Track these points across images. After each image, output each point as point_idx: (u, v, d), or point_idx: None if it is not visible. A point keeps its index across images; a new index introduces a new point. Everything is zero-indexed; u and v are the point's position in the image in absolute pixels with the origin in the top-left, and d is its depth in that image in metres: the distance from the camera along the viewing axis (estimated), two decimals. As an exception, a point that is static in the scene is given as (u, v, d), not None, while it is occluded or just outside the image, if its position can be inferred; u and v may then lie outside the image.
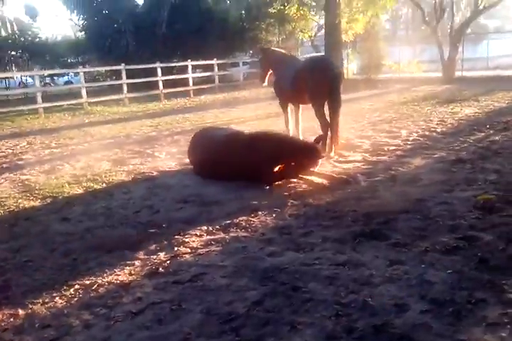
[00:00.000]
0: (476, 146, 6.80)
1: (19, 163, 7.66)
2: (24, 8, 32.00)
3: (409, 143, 7.40)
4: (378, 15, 19.08)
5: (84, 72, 18.79)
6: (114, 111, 15.26)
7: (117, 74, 21.37)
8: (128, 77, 17.89)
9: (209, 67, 22.27)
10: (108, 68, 21.39)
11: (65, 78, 32.18)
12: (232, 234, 3.94)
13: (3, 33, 37.19)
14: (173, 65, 22.39)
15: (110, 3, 24.29)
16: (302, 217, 4.27)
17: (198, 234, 3.98)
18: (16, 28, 39.00)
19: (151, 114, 14.05)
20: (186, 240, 3.84)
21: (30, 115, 14.99)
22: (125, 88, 17.22)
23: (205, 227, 4.11)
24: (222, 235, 3.93)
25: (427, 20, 20.68)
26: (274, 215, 4.36)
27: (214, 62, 21.30)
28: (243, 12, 26.09)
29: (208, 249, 3.65)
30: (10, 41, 30.56)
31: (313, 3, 21.69)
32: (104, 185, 5.82)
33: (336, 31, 18.85)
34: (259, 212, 4.45)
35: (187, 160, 6.48)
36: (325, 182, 5.26)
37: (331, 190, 5.02)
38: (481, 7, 20.06)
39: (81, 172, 6.64)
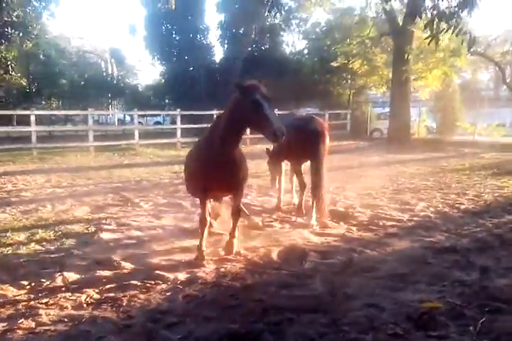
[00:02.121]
0: (489, 232, 5.65)
1: (12, 199, 7.74)
2: (109, 52, 34.73)
3: (414, 219, 6.38)
4: (448, 74, 17.97)
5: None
6: (159, 154, 15.52)
7: (186, 119, 22.07)
8: (190, 122, 18.31)
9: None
10: (165, 113, 22.19)
11: (156, 118, 34.00)
12: (95, 313, 3.37)
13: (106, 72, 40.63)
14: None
15: (188, 51, 25.56)
16: (194, 300, 3.60)
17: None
18: (116, 70, 42.56)
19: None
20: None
21: (84, 152, 15.68)
22: (179, 132, 17.59)
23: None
24: (81, 312, 3.38)
25: (508, 82, 19.19)
26: (167, 294, 3.73)
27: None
28: (316, 64, 26.11)
29: (53, 327, 3.12)
30: (115, 82, 33.18)
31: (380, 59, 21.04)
32: (52, 233, 5.55)
33: (402, 88, 18.05)
34: (158, 287, 3.85)
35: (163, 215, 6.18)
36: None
37: (261, 268, 4.29)
38: None
39: (50, 216, 6.48)
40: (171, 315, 3.35)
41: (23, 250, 4.87)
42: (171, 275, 4.09)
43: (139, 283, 3.92)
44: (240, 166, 4.50)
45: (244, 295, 3.68)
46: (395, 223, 6.15)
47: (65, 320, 3.25)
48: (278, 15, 32.54)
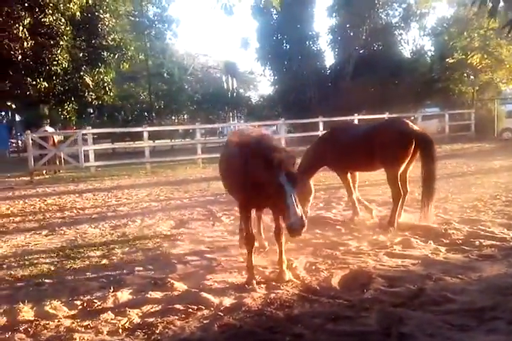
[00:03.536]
0: None
1: (109, 214, 8.29)
2: (223, 65, 36.08)
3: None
4: None
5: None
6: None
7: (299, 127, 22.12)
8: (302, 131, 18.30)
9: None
10: (270, 122, 22.30)
11: (272, 128, 34.71)
12: (126, 340, 3.32)
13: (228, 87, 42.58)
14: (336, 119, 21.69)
15: (298, 59, 25.56)
16: (229, 331, 3.36)
17: None
18: (234, 83, 44.32)
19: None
20: None
21: (194, 164, 16.41)
22: (283, 142, 17.53)
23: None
24: (114, 338, 3.34)
25: None
26: (204, 322, 3.55)
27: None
28: (435, 62, 24.28)
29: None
30: (233, 94, 34.75)
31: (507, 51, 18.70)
32: (127, 249, 5.75)
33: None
34: (200, 312, 3.68)
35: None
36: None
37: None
38: None
39: (134, 231, 6.77)
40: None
41: (91, 266, 5.09)
42: (216, 300, 3.91)
43: (181, 308, 3.80)
44: None
45: (284, 328, 3.36)
46: (494, 242, 5.26)
47: (95, 345, 3.24)
48: (396, 12, 31.17)
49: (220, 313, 3.68)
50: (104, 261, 5.31)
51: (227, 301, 3.90)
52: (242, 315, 3.62)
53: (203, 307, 3.79)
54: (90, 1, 14.16)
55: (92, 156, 15.45)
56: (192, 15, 78.08)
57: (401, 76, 24.95)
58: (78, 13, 13.20)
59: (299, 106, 24.86)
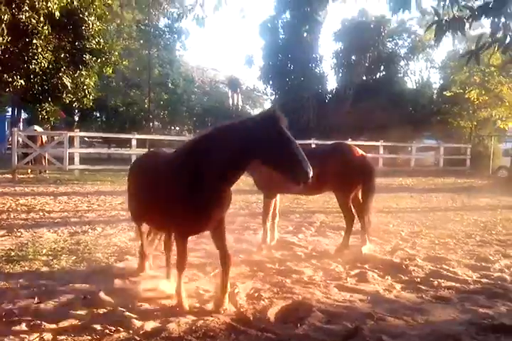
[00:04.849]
0: None
1: (72, 220, 8.08)
2: (227, 80, 36.14)
3: (483, 281, 5.10)
4: None
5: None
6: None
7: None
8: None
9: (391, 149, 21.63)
10: None
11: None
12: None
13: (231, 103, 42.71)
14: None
15: (301, 81, 25.59)
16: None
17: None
18: (238, 99, 44.44)
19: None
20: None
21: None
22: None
23: None
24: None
25: None
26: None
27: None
28: (434, 95, 24.31)
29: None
30: (233, 109, 34.77)
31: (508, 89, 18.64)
32: (72, 260, 5.51)
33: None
34: (116, 335, 3.44)
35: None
36: None
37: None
38: None
39: (89, 239, 6.53)
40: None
41: (28, 273, 4.88)
42: (139, 323, 3.66)
43: (99, 328, 3.55)
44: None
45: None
46: (454, 284, 5.01)
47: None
48: (405, 43, 31.41)
49: (136, 337, 3.43)
50: (44, 269, 5.08)
51: (150, 325, 3.65)
52: (159, 342, 3.38)
53: (121, 330, 3.55)
54: (75, 3, 14.17)
55: (77, 159, 15.25)
56: (202, 29, 78.88)
57: (402, 105, 24.96)
58: (58, 13, 13.09)
59: (297, 127, 24.70)
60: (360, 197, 6.15)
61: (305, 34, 26.24)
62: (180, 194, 3.73)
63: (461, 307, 4.30)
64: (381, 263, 5.69)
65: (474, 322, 3.90)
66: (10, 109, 30.21)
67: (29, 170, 16.14)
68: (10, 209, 9.05)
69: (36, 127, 16.41)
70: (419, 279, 5.18)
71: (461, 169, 22.51)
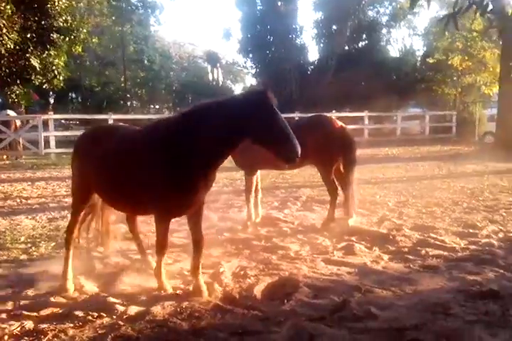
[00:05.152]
0: None
1: (52, 205, 7.91)
2: (205, 55, 35.43)
3: (471, 248, 5.11)
4: None
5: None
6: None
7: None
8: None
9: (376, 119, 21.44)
10: None
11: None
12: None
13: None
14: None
15: (281, 52, 25.13)
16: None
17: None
18: (218, 74, 43.65)
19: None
20: None
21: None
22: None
23: None
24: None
25: None
26: (100, 332, 3.20)
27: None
28: (417, 62, 24.08)
29: None
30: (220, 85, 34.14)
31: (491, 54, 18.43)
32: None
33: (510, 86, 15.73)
34: (99, 321, 3.34)
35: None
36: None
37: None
38: None
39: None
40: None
41: (7, 261, 4.74)
42: (121, 307, 3.56)
43: (81, 314, 3.45)
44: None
45: (182, 342, 3.03)
46: (441, 252, 4.99)
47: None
48: (387, 10, 30.89)
49: (120, 322, 3.33)
50: (23, 257, 4.94)
51: (134, 309, 3.55)
52: (142, 326, 3.28)
53: (104, 315, 3.44)
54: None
55: (52, 143, 14.85)
56: (176, 2, 76.56)
57: (385, 74, 24.70)
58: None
59: (280, 100, 24.32)
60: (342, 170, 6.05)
61: (279, 3, 25.56)
62: (166, 174, 3.56)
63: (449, 275, 4.28)
64: (368, 235, 5.65)
65: (462, 290, 3.88)
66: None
67: (4, 156, 15.71)
68: (-14, 197, 8.81)
69: (9, 111, 15.90)
70: (406, 249, 5.15)
71: (447, 136, 22.54)
